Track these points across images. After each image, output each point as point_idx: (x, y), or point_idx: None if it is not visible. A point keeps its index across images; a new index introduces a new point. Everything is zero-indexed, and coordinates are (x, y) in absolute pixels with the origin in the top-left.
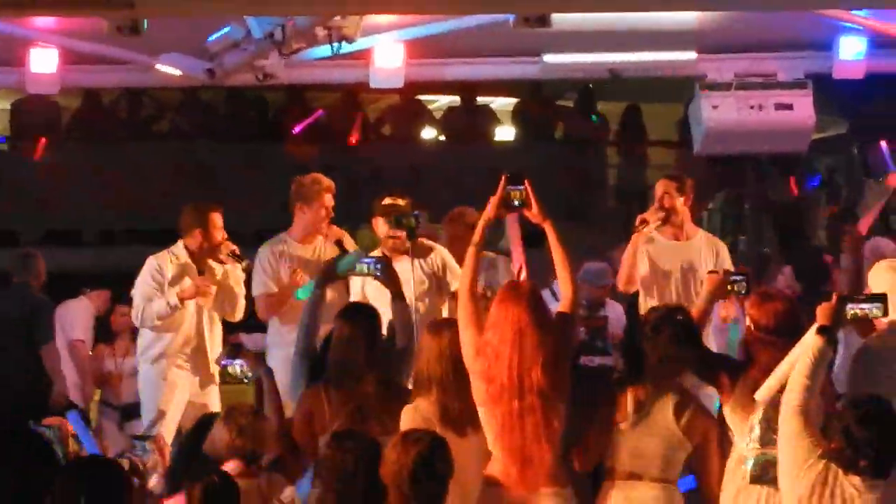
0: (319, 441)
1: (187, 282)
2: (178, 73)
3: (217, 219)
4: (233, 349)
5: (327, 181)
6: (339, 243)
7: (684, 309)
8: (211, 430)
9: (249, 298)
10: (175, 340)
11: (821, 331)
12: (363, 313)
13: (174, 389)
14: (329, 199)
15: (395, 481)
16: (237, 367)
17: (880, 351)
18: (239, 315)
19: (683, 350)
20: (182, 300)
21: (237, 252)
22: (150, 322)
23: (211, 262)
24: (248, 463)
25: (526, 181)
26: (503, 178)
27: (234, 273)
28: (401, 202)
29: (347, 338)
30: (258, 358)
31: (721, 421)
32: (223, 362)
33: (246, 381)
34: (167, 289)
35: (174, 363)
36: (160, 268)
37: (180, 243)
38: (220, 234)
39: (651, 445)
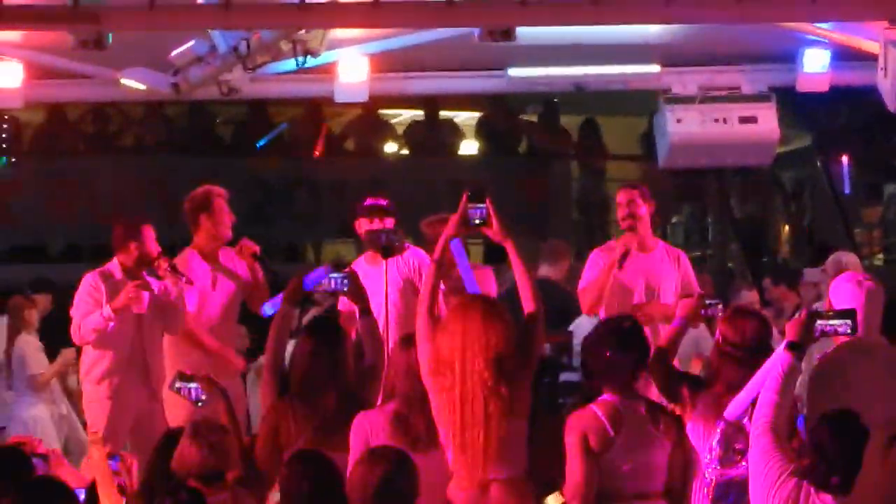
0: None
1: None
2: (142, 87)
3: (149, 232)
4: (182, 373)
5: (215, 189)
6: (254, 255)
7: (632, 317)
8: (175, 446)
9: None
10: (118, 357)
11: (790, 347)
12: (326, 327)
13: (122, 406)
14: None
15: (360, 499)
16: (191, 390)
17: (834, 365)
18: (179, 330)
19: (628, 356)
20: (115, 310)
21: (176, 267)
22: (88, 337)
23: (147, 276)
24: (216, 479)
25: (487, 199)
26: (464, 195)
27: (175, 288)
28: (382, 202)
29: (310, 352)
30: (211, 381)
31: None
32: (177, 386)
33: (200, 404)
34: (104, 305)
35: (120, 380)
36: (96, 285)
37: (115, 261)
38: (153, 247)
39: (642, 460)
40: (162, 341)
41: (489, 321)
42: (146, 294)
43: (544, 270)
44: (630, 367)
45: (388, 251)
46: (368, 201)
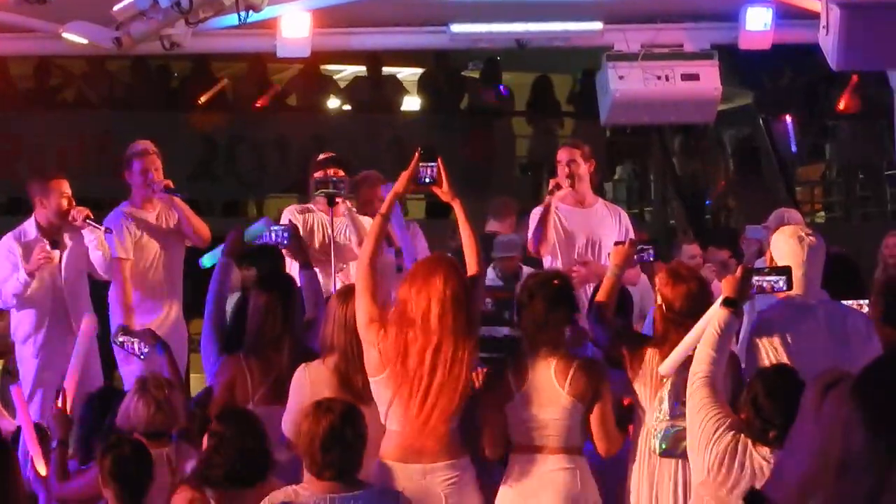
0: None
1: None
2: (84, 41)
3: (59, 186)
4: (125, 327)
5: (139, 146)
6: (167, 189)
7: (564, 275)
8: (110, 401)
9: None
10: (40, 315)
11: (726, 303)
12: (280, 282)
13: (49, 363)
14: (145, 163)
15: (308, 450)
16: (133, 343)
17: (775, 320)
18: (107, 276)
19: (557, 314)
20: (30, 274)
21: (91, 216)
22: (9, 302)
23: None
24: (161, 435)
25: (438, 158)
26: (416, 153)
27: (94, 236)
28: (335, 155)
29: (264, 307)
30: (152, 334)
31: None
32: (119, 340)
33: (142, 356)
34: (20, 266)
35: (44, 337)
36: (10, 247)
37: (32, 218)
38: (64, 201)
39: (543, 414)
40: (86, 293)
41: (457, 280)
42: (56, 252)
43: (491, 225)
44: (559, 324)
45: (333, 200)
46: (322, 155)
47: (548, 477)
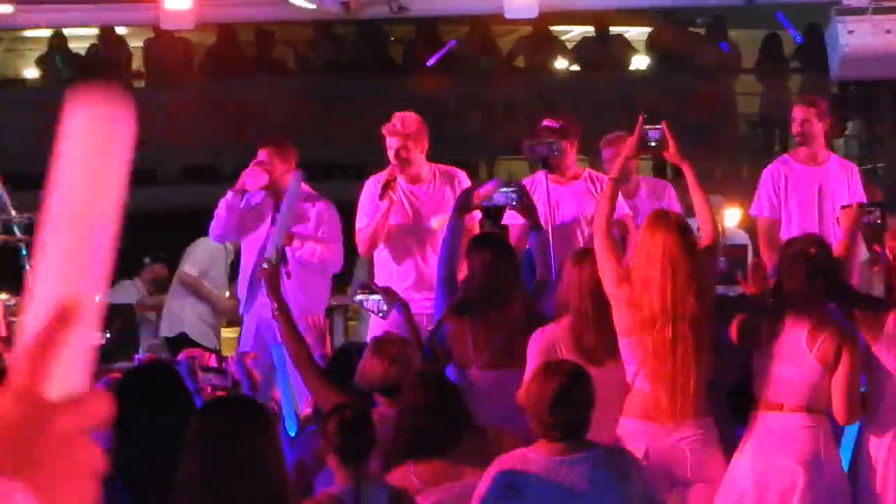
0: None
1: None
2: (312, 6)
3: (262, 155)
4: (366, 285)
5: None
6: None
7: (820, 240)
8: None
9: None
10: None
11: None
12: (494, 241)
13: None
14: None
15: (535, 411)
16: (374, 302)
17: None
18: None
19: (819, 285)
20: (236, 191)
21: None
22: (213, 230)
23: None
24: (399, 391)
25: (663, 121)
26: (640, 117)
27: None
28: (553, 125)
29: (491, 263)
30: (392, 292)
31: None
32: (358, 298)
33: (381, 315)
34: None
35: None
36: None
37: None
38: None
39: (786, 372)
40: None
41: (677, 238)
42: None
43: None
44: (818, 294)
45: (547, 163)
46: (544, 122)
47: (789, 434)
